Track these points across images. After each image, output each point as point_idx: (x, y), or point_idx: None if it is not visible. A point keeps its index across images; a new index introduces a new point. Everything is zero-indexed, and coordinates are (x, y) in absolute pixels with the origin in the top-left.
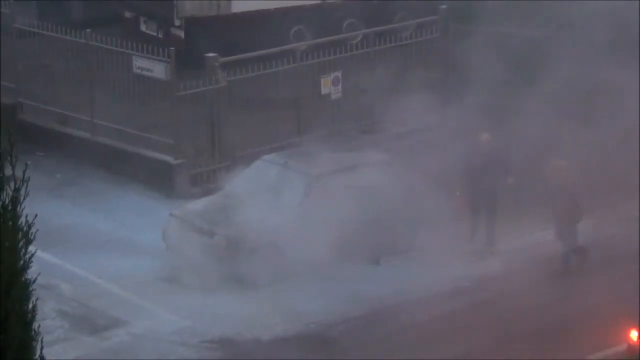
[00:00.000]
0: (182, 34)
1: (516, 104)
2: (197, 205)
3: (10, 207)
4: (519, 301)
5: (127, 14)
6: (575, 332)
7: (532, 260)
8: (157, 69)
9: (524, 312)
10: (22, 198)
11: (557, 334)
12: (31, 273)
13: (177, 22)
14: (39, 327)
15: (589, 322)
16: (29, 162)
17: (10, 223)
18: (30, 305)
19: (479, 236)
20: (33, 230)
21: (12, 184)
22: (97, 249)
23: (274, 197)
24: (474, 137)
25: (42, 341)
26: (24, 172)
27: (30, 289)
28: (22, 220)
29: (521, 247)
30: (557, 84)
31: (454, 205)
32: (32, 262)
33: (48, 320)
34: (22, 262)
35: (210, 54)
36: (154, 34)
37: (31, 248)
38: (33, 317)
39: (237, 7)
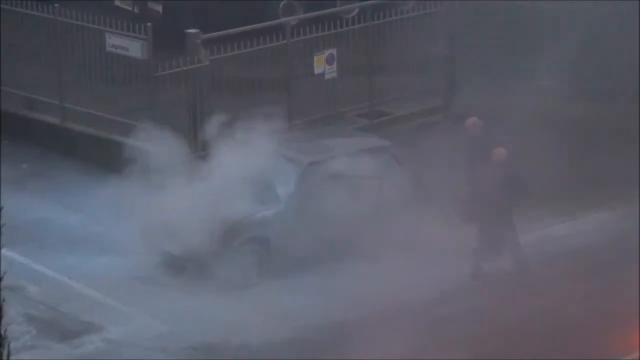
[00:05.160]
0: (160, 8)
1: (525, 82)
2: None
3: None
4: (528, 301)
5: None
6: (586, 334)
7: (543, 256)
8: (133, 47)
9: (533, 312)
10: None
11: (568, 336)
12: None
13: None
14: (5, 332)
15: (601, 324)
16: None
17: None
18: None
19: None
20: None
21: None
22: (68, 246)
23: (264, 187)
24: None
25: (9, 347)
26: None
27: None
28: None
29: (532, 242)
30: (567, 57)
31: (458, 200)
32: None
33: (14, 325)
34: None
35: (192, 30)
36: (129, 8)
37: None
38: None
39: None
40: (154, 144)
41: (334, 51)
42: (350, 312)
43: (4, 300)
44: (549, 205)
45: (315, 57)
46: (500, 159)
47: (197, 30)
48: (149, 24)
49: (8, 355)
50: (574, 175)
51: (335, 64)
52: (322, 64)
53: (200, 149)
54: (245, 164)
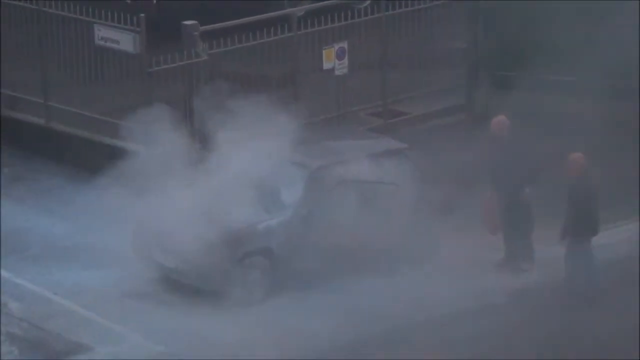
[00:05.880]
0: None
1: (553, 79)
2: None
3: None
4: (560, 320)
5: None
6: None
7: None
8: (125, 40)
9: (566, 332)
10: None
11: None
12: None
13: None
14: None
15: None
16: None
17: None
18: None
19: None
20: None
21: None
22: (53, 258)
23: (268, 193)
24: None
25: None
26: None
27: None
28: None
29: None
30: (594, 54)
31: (483, 208)
32: None
33: None
34: None
35: (189, 22)
36: None
37: None
38: None
39: None
40: (147, 146)
41: (344, 45)
42: (364, 331)
43: None
44: None
45: (324, 51)
46: (578, 166)
47: (195, 22)
48: (142, 15)
49: None
50: (606, 180)
51: (346, 58)
52: (331, 59)
53: (197, 152)
54: (248, 169)
